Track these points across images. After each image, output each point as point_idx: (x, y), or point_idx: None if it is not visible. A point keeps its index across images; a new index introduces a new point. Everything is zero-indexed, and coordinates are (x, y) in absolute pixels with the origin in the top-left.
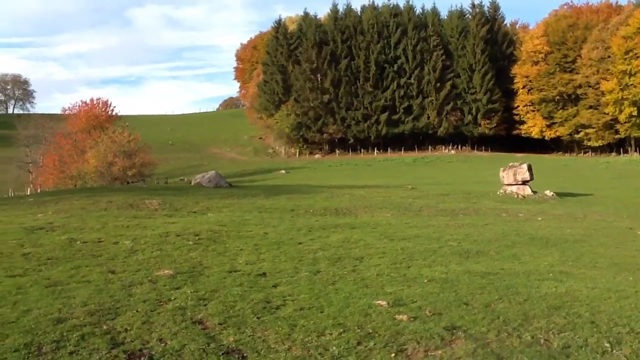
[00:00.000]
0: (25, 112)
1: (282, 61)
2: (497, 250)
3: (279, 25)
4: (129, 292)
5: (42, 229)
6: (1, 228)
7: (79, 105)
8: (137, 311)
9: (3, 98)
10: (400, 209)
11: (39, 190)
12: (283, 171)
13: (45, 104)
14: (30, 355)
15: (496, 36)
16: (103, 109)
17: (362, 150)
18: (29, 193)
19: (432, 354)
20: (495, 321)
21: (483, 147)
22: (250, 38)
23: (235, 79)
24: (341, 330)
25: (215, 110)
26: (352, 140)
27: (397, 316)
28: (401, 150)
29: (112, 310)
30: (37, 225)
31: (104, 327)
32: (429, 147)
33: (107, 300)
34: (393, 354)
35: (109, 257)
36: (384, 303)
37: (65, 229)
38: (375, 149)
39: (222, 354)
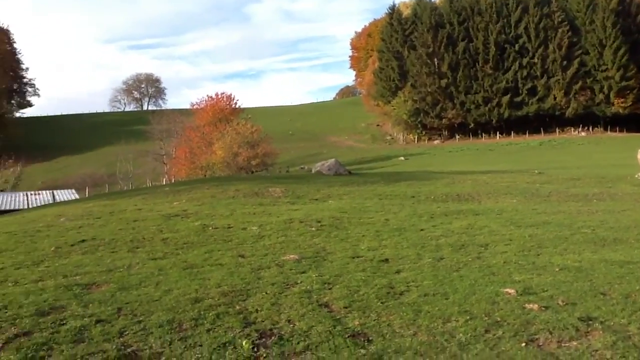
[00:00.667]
0: (158, 108)
1: (398, 47)
2: (637, 238)
3: (393, 11)
4: (258, 275)
5: (178, 216)
6: (143, 215)
7: (205, 100)
8: (266, 293)
9: (138, 96)
10: (526, 194)
11: (173, 180)
12: (402, 158)
13: (175, 99)
14: (172, 330)
15: (628, 7)
16: (227, 103)
17: (483, 135)
18: (164, 183)
19: (566, 345)
20: (637, 313)
21: (617, 128)
22: (365, 26)
23: (350, 67)
24: (467, 317)
25: (332, 99)
26: (472, 125)
27: (526, 305)
28: (525, 133)
29: (244, 292)
30: (173, 213)
31: (237, 307)
32: (556, 130)
33: (239, 283)
34: (523, 344)
35: (238, 242)
36: (512, 291)
37: (198, 215)
38: (498, 133)
39: (348, 336)
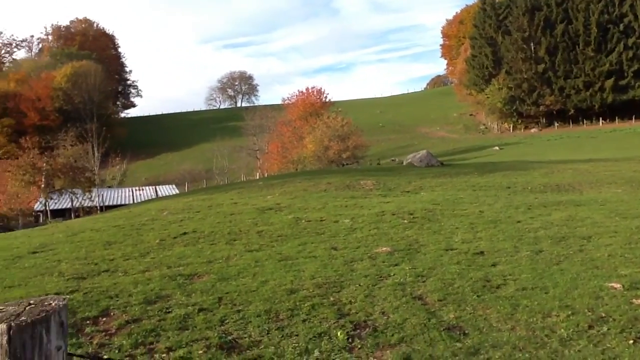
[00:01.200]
0: (251, 105)
1: (491, 33)
2: None
3: None
4: (351, 268)
5: (272, 209)
6: (239, 209)
7: (296, 95)
8: (359, 285)
9: (233, 93)
10: (633, 183)
11: (265, 175)
12: (496, 148)
13: (267, 95)
14: (269, 320)
15: None
16: (317, 97)
17: (584, 121)
18: (257, 177)
19: None
20: None
21: None
22: (456, 13)
23: (441, 56)
24: (569, 312)
25: (422, 89)
26: (572, 111)
27: (634, 300)
28: (631, 118)
29: (337, 284)
30: (267, 206)
31: (331, 298)
32: None
33: (332, 275)
34: (631, 341)
35: (330, 234)
36: (618, 286)
37: (291, 209)
38: (600, 118)
39: (443, 329)
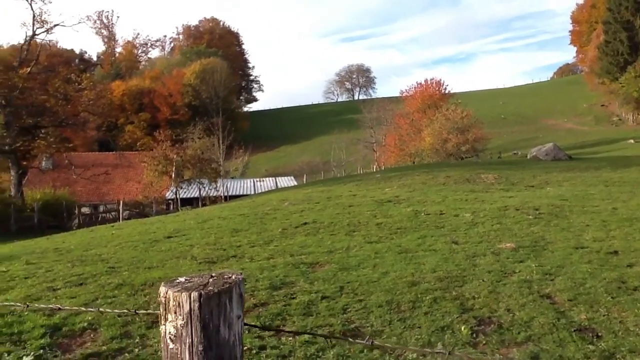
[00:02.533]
0: (368, 97)
1: (627, 16)
2: None
3: None
4: (473, 263)
5: (390, 202)
6: (357, 201)
7: (414, 87)
8: (482, 281)
9: (350, 86)
10: None
11: (382, 167)
12: (631, 140)
13: (384, 88)
14: (391, 311)
15: None
16: (437, 89)
17: None
18: (374, 170)
19: None
20: None
21: None
22: None
23: (570, 43)
24: None
25: (549, 79)
26: None
27: None
28: None
29: (459, 278)
30: (385, 199)
31: (453, 293)
32: None
33: (454, 269)
34: None
35: (451, 228)
36: None
37: (409, 202)
38: None
39: (574, 330)
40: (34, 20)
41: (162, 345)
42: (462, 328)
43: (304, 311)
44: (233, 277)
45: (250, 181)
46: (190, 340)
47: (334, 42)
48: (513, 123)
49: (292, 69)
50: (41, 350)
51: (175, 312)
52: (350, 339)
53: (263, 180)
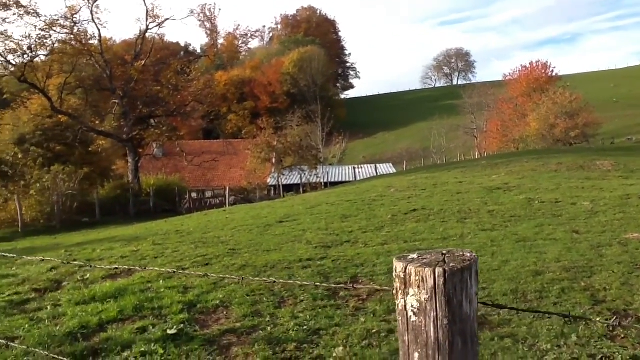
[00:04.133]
0: (468, 82)
1: None
2: None
3: None
4: (599, 253)
5: (500, 189)
6: (464, 187)
7: (518, 70)
8: (613, 272)
9: (448, 71)
10: None
11: (485, 154)
12: None
13: (484, 72)
14: (517, 300)
15: None
16: (542, 71)
17: None
18: (477, 156)
19: None
20: None
21: None
22: None
23: None
24: None
25: None
26: None
27: None
28: None
29: (587, 269)
30: (494, 186)
31: (582, 283)
32: None
33: (579, 259)
34: None
35: (569, 217)
36: None
37: (520, 189)
38: None
39: None
40: (147, 15)
41: (399, 318)
42: (598, 320)
43: None
44: (467, 254)
45: (349, 168)
46: (434, 313)
47: (432, 27)
48: (626, 107)
49: (388, 55)
50: (182, 325)
51: (418, 287)
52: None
53: (362, 167)
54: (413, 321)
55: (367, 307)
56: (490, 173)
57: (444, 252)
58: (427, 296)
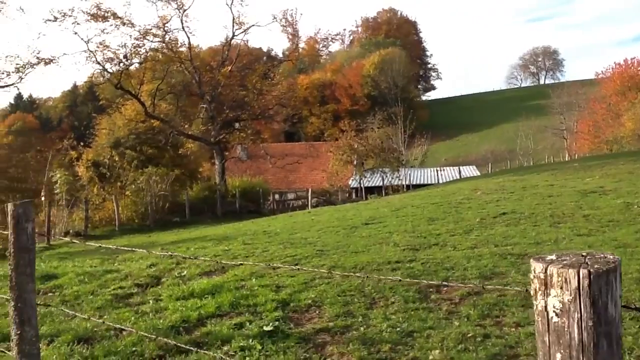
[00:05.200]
0: (556, 81)
1: None
2: None
3: None
4: None
5: (595, 192)
6: (556, 191)
7: (612, 68)
8: None
9: (535, 70)
10: None
11: (575, 156)
12: None
13: (573, 70)
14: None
15: None
16: (638, 69)
17: None
18: (567, 159)
19: None
20: None
21: None
22: None
23: None
24: None
25: None
26: None
27: None
28: None
29: None
30: (588, 189)
31: None
32: None
33: None
34: None
35: None
36: None
37: (617, 192)
38: None
39: None
40: (233, 22)
41: (539, 319)
42: None
43: (523, 303)
44: (610, 257)
45: (432, 170)
46: (578, 315)
47: (517, 24)
48: None
49: (471, 55)
50: (277, 322)
51: (561, 288)
52: None
53: (444, 169)
54: (555, 322)
55: (460, 311)
56: (583, 176)
57: (584, 253)
58: (571, 297)
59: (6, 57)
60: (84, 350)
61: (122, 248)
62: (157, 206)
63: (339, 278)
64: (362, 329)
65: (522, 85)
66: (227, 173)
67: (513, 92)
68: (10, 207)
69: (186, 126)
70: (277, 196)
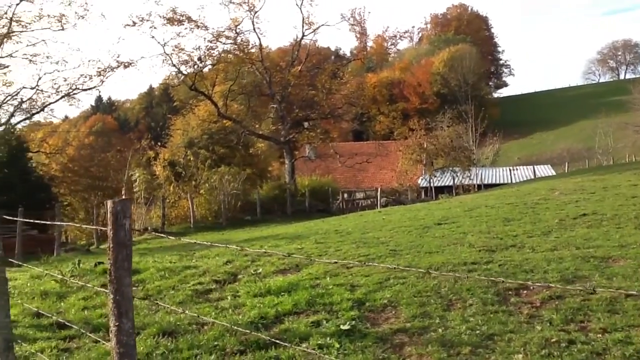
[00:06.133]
0: (637, 76)
1: None
2: None
3: None
4: None
5: None
6: None
7: None
8: None
9: (614, 65)
10: None
11: None
12: None
13: None
14: None
15: None
16: None
17: None
18: None
19: None
20: None
21: None
22: None
23: None
24: None
25: None
26: None
27: None
28: None
29: None
30: None
31: None
32: None
33: None
34: None
35: None
36: None
37: None
38: None
39: None
40: (303, 22)
41: None
42: None
43: (608, 308)
44: None
45: (504, 169)
46: None
47: (594, 17)
48: None
49: (544, 50)
50: (353, 321)
51: None
52: None
53: (517, 169)
54: None
55: (542, 315)
56: None
57: None
58: None
59: (89, 61)
60: (168, 343)
61: (216, 245)
62: (229, 204)
63: (413, 279)
64: (440, 330)
65: (601, 80)
66: (296, 172)
67: (591, 88)
68: (109, 204)
69: (256, 126)
70: (345, 195)
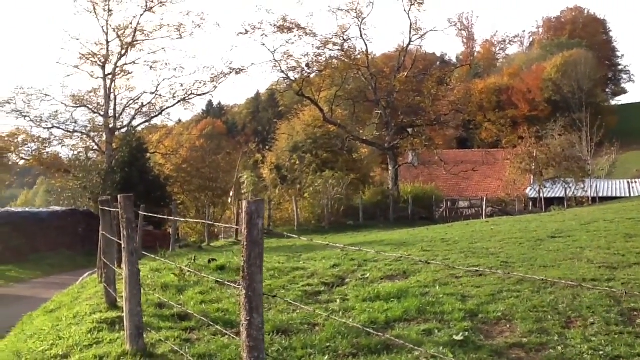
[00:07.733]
0: None
1: None
2: None
3: None
4: None
5: None
6: None
7: None
8: None
9: None
10: None
11: None
12: None
13: None
14: None
15: None
16: None
17: None
18: None
19: None
20: None
21: None
22: None
23: None
24: None
25: None
26: None
27: None
28: None
29: None
30: None
31: None
32: None
33: None
34: None
35: None
36: None
37: None
38: None
39: None
40: (410, 28)
41: None
42: None
43: None
44: None
45: (622, 182)
46: None
47: None
48: None
49: None
50: (466, 333)
51: None
52: None
53: (636, 182)
54: None
55: None
56: None
57: None
58: None
59: (203, 67)
60: (282, 341)
61: (335, 245)
62: (332, 209)
63: (528, 292)
64: (559, 348)
65: None
66: (399, 178)
67: None
68: (244, 204)
69: (360, 131)
70: (449, 203)
